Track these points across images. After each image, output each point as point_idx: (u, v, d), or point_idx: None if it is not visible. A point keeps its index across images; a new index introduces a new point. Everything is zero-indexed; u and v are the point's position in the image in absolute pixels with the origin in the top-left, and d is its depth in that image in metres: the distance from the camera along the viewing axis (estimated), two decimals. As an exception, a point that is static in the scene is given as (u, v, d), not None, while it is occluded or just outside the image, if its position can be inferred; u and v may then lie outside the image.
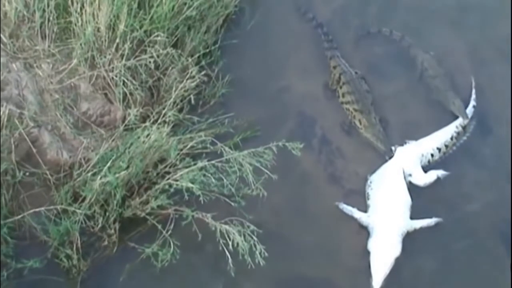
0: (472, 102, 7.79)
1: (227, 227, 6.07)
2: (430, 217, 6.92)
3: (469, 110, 7.73)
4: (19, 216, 5.89)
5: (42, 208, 5.90)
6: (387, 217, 6.77)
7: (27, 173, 6.04)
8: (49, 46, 6.60)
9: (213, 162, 6.21)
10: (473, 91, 7.86)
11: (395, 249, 6.62)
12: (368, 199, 6.97)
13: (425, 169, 7.27)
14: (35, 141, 6.23)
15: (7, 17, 6.54)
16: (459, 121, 7.61)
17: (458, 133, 7.53)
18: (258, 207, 6.37)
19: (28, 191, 6.10)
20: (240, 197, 6.28)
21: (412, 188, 7.07)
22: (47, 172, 6.18)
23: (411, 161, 7.24)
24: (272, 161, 6.28)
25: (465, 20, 8.45)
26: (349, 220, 6.85)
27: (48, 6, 6.51)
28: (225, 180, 6.19)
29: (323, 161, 7.18)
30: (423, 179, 7.18)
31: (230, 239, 6.03)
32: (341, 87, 7.64)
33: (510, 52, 8.14)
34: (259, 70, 7.66)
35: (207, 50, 7.34)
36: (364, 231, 6.79)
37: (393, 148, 7.30)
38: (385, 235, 6.68)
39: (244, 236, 6.06)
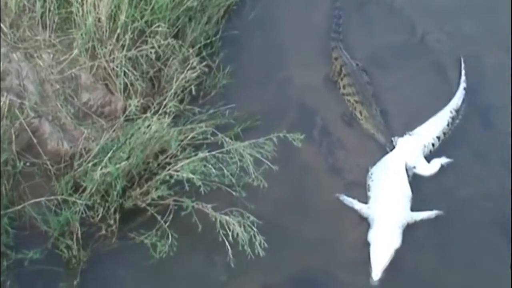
0: (463, 84, 7.82)
1: (227, 217, 6.07)
2: (431, 209, 6.92)
3: (460, 92, 7.75)
4: (20, 206, 5.88)
5: (43, 199, 5.90)
6: (387, 208, 6.77)
7: (28, 164, 6.03)
8: (49, 36, 6.57)
9: (213, 153, 6.20)
10: (463, 72, 7.90)
11: (395, 241, 6.63)
12: (369, 190, 6.97)
13: (427, 158, 7.27)
14: (36, 132, 6.22)
15: (8, 7, 6.50)
16: (452, 105, 7.64)
17: (453, 118, 7.56)
18: (259, 198, 6.35)
19: (28, 181, 6.09)
20: (241, 188, 6.26)
21: (413, 180, 7.06)
22: (48, 163, 6.17)
23: (414, 153, 7.24)
24: (273, 152, 6.27)
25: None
26: (350, 212, 6.85)
27: (49, -4, 6.52)
28: (225, 170, 6.18)
29: (324, 152, 7.18)
30: (428, 169, 7.20)
31: (230, 230, 6.03)
32: (342, 79, 7.65)
33: (510, 42, 8.15)
34: (260, 61, 7.68)
35: (208, 41, 7.32)
36: (364, 223, 6.79)
37: (393, 139, 7.29)
38: (385, 226, 6.68)
39: (244, 227, 6.05)
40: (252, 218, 6.09)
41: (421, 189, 7.07)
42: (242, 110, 7.10)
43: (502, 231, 6.95)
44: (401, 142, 7.28)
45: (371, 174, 7.07)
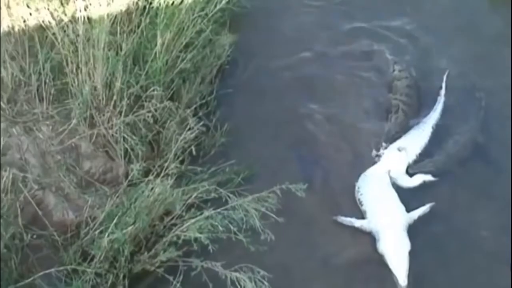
0: (443, 98, 8.04)
1: (237, 274, 6.01)
2: (423, 204, 7.00)
3: (441, 107, 7.95)
4: (30, 279, 5.81)
5: (52, 270, 5.84)
6: (388, 216, 6.84)
7: (35, 236, 6.01)
8: (47, 108, 6.63)
9: (219, 210, 6.20)
10: (444, 86, 8.13)
11: (406, 244, 6.66)
12: (362, 205, 7.03)
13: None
14: (40, 204, 6.22)
15: (4, 82, 6.58)
16: (433, 121, 7.79)
17: (432, 133, 7.70)
18: (267, 251, 6.28)
19: (36, 253, 6.04)
20: (248, 242, 6.20)
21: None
22: (54, 234, 6.14)
23: (398, 168, 7.36)
24: (277, 204, 6.27)
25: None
26: (363, 260, 6.81)
27: (43, 69, 6.57)
28: (232, 227, 6.17)
29: (328, 200, 7.18)
30: (409, 182, 7.30)
31: (241, 286, 5.99)
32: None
33: (510, 47, 8.34)
34: (257, 117, 7.80)
35: (204, 101, 7.41)
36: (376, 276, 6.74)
37: (380, 151, 7.46)
38: (393, 233, 6.72)
39: (255, 282, 6.00)
40: (262, 272, 6.03)
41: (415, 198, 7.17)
42: (242, 165, 7.15)
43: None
44: (388, 156, 7.41)
45: (359, 188, 7.15)
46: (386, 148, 7.50)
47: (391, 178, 7.21)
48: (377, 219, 6.86)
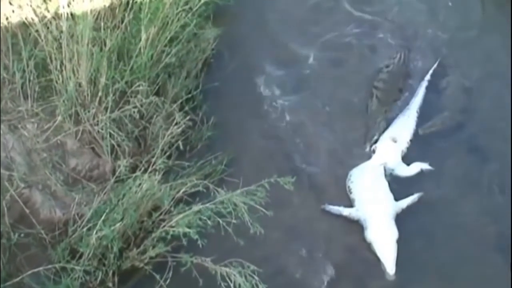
0: (426, 83, 8.06)
1: (227, 269, 6.00)
2: (412, 193, 7.03)
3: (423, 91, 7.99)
4: (18, 278, 5.77)
5: (41, 268, 5.81)
6: (376, 205, 6.86)
7: (22, 235, 5.95)
8: (32, 106, 6.57)
9: (207, 205, 6.16)
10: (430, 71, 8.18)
11: (394, 232, 6.69)
12: (351, 193, 7.05)
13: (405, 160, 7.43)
14: (27, 202, 6.17)
15: (-12, 82, 6.55)
16: (417, 104, 7.81)
17: (418, 118, 7.72)
18: (257, 245, 6.32)
19: (24, 252, 6.01)
20: (238, 236, 6.19)
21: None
22: (42, 232, 6.11)
23: (393, 158, 7.35)
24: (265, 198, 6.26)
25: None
26: (353, 254, 6.83)
27: (27, 66, 6.51)
28: (221, 221, 6.15)
29: (316, 193, 7.18)
30: (407, 171, 7.30)
31: (231, 281, 5.97)
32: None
33: (510, 40, 8.35)
34: (243, 110, 7.76)
35: (190, 95, 7.38)
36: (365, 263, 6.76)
37: (374, 147, 7.45)
38: (381, 221, 6.75)
39: (245, 276, 5.99)
40: (252, 267, 6.03)
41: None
42: (227, 155, 7.18)
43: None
44: (382, 148, 7.41)
45: (351, 175, 7.17)
46: (377, 140, 7.48)
47: (388, 169, 7.22)
48: (365, 207, 6.89)
